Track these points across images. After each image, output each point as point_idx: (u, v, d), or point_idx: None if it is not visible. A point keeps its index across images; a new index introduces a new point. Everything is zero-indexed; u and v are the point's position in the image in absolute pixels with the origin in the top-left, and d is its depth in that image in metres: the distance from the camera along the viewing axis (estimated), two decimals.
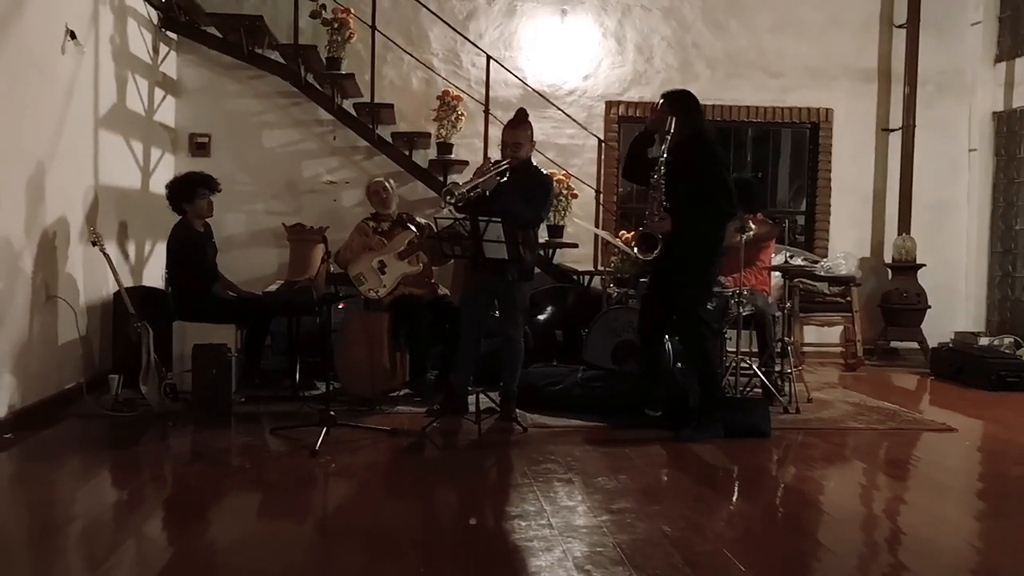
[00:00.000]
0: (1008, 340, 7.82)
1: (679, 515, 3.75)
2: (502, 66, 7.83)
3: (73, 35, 5.58)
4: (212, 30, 7.47)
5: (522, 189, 5.29)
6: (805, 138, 8.97)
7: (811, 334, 8.41)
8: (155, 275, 7.06)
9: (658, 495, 4.11)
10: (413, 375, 6.14)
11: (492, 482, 4.42)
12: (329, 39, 7.45)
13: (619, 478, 4.27)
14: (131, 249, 6.77)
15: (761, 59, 8.62)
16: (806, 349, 8.34)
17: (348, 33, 7.47)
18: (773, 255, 6.83)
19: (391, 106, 7.75)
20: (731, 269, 6.06)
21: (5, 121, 4.82)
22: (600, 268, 7.69)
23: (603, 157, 8.19)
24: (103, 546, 3.39)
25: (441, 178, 7.54)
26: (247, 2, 7.82)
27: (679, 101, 5.17)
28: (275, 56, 7.52)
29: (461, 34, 7.95)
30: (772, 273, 6.51)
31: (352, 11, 7.50)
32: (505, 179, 5.27)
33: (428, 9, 7.84)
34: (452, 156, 7.74)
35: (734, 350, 5.88)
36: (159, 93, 7.40)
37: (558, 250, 7.82)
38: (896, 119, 8.74)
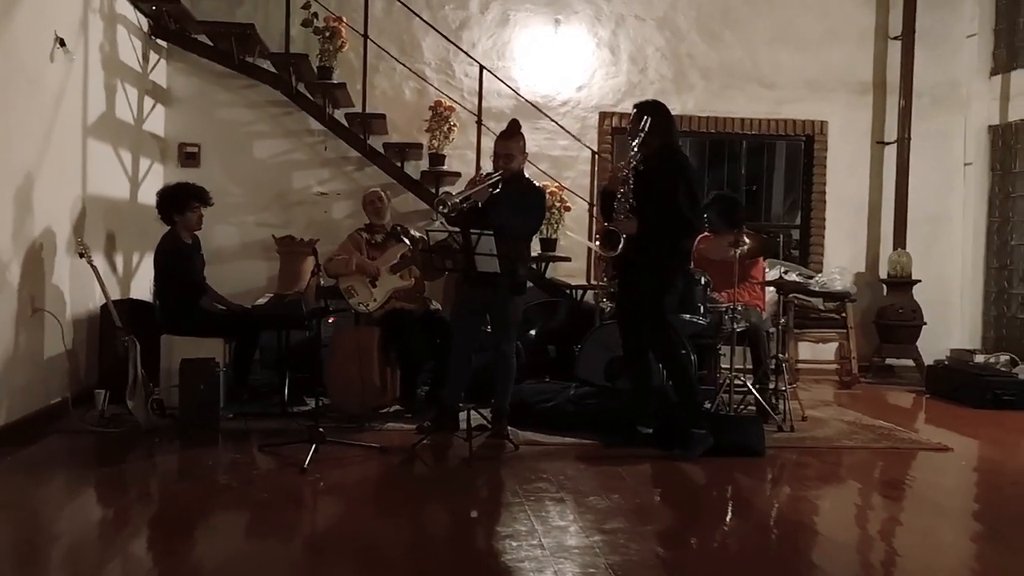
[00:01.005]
0: (1004, 358, 7.85)
1: (672, 536, 3.77)
2: (495, 76, 7.86)
3: (62, 42, 5.58)
4: (203, 38, 7.48)
5: (514, 201, 5.31)
6: (800, 151, 9.01)
7: (806, 351, 8.43)
8: (143, 288, 7.05)
9: (652, 515, 4.12)
10: (404, 391, 6.15)
11: (483, 500, 4.42)
12: (321, 48, 7.47)
13: (612, 497, 4.27)
14: (119, 261, 6.76)
15: (756, 70, 8.66)
16: (801, 366, 8.35)
17: (340, 42, 7.49)
18: (767, 269, 6.87)
19: (383, 116, 7.76)
20: (725, 285, 6.10)
21: None
22: (593, 282, 7.70)
23: (596, 169, 8.21)
24: (88, 566, 3.38)
25: (433, 190, 7.56)
26: (238, 10, 7.83)
27: (652, 108, 5.23)
28: (266, 65, 7.53)
29: (454, 44, 7.98)
30: (766, 289, 6.54)
31: (344, 20, 7.52)
32: (497, 191, 5.28)
33: (421, 18, 7.87)
34: (444, 167, 7.75)
35: (728, 367, 5.90)
36: (148, 102, 7.40)
37: (551, 264, 7.84)
38: (891, 132, 8.79)
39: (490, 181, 5.28)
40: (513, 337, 5.52)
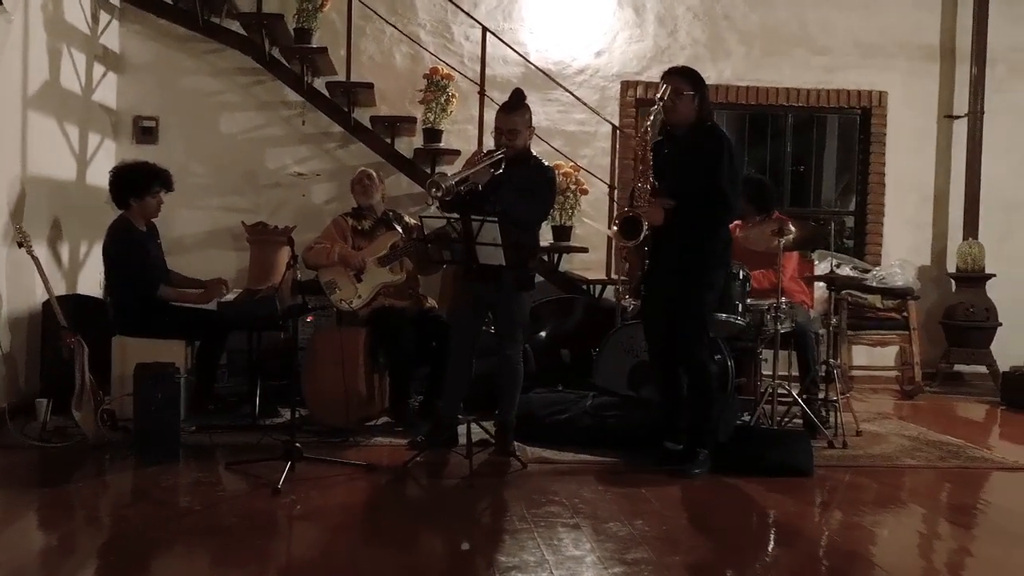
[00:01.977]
0: None
1: (704, 568, 3.75)
2: (500, 40, 7.85)
3: None
4: None
5: (520, 183, 5.29)
6: (855, 126, 9.00)
7: (861, 355, 8.41)
8: (92, 282, 7.06)
9: (680, 544, 4.10)
10: (394, 401, 6.14)
11: (485, 527, 4.41)
12: (298, 7, 7.49)
13: (635, 523, 4.25)
14: (64, 251, 6.77)
15: (804, 34, 8.65)
16: (855, 373, 8.34)
17: (321, 0, 7.49)
18: (816, 262, 6.84)
19: (370, 86, 7.77)
20: (767, 279, 6.07)
21: None
22: (614, 276, 7.69)
23: (618, 147, 8.20)
24: None
25: (428, 169, 7.56)
26: None
27: (695, 78, 5.21)
28: (235, 27, 7.54)
29: (452, 2, 7.98)
30: (815, 284, 6.51)
31: None
32: (500, 172, 5.27)
33: None
34: (441, 144, 7.76)
35: (770, 373, 5.87)
36: (99, 69, 7.42)
37: (565, 255, 7.83)
38: (961, 104, 8.76)
39: (491, 160, 5.26)
40: (520, 339, 5.51)
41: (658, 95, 5.13)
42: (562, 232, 7.69)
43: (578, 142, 8.32)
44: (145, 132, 7.86)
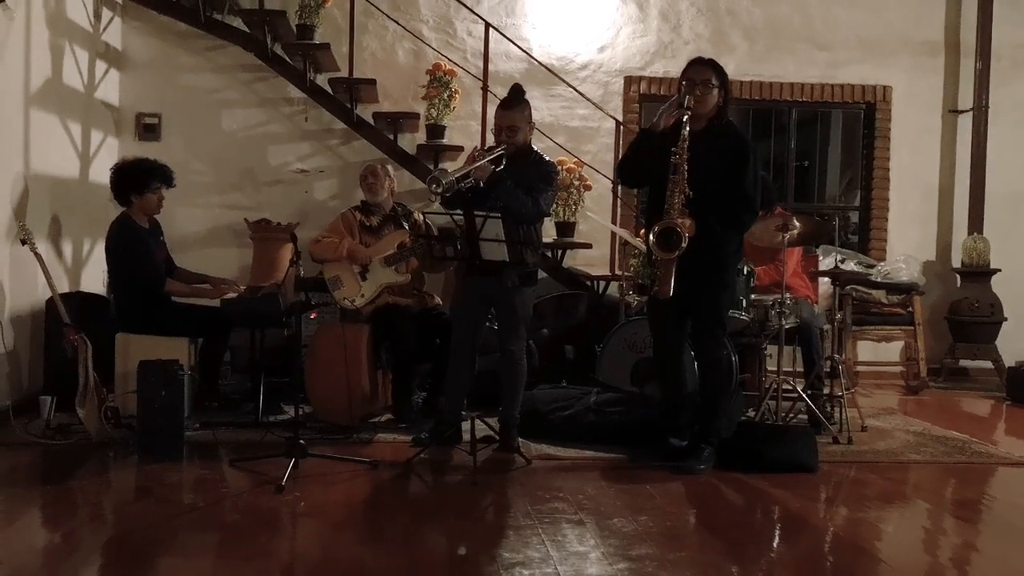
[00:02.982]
0: None
1: (709, 564, 3.74)
2: (503, 35, 7.85)
3: None
4: None
5: (521, 179, 5.29)
6: (859, 121, 9.00)
7: (866, 351, 8.42)
8: (95, 279, 7.07)
9: (684, 540, 4.10)
10: (397, 398, 6.15)
11: (489, 524, 4.40)
12: (300, 3, 7.50)
13: (639, 520, 4.25)
14: (67, 248, 6.78)
15: (808, 29, 8.64)
16: (860, 368, 8.34)
17: None
18: (821, 257, 6.83)
19: (373, 82, 7.77)
20: (771, 276, 6.07)
21: None
22: (618, 273, 7.68)
23: (621, 142, 8.19)
24: None
25: (431, 166, 7.56)
26: None
27: (721, 71, 5.16)
28: (237, 23, 7.55)
29: None
30: (820, 279, 6.50)
31: None
32: (501, 168, 5.26)
33: None
34: (444, 140, 7.77)
35: (775, 369, 5.87)
36: (101, 66, 7.42)
37: (568, 251, 7.83)
38: (966, 99, 8.76)
39: (491, 156, 5.26)
40: (523, 335, 5.50)
41: (682, 84, 5.04)
42: (565, 228, 7.69)
43: (581, 138, 8.32)
44: (147, 129, 7.88)
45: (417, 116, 7.83)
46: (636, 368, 6.21)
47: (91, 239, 7.09)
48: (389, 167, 6.64)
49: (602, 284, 7.78)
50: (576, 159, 7.74)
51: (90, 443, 5.34)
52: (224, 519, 4.26)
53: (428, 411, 6.07)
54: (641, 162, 5.23)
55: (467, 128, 7.96)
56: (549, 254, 7.54)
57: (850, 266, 7.55)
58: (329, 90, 7.69)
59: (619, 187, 8.11)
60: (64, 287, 6.43)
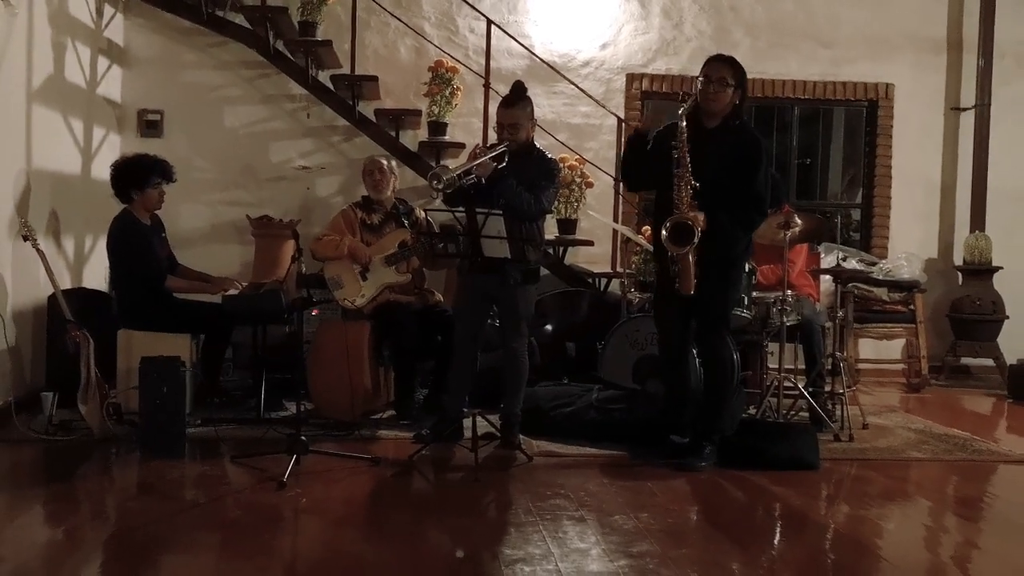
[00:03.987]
0: None
1: (710, 561, 3.74)
2: (505, 32, 7.85)
3: None
4: None
5: (523, 176, 5.29)
6: (861, 118, 8.99)
7: (867, 348, 8.41)
8: (97, 276, 7.07)
9: (686, 537, 4.10)
10: (399, 394, 6.15)
11: (491, 520, 4.41)
12: (302, 0, 7.46)
13: (640, 516, 4.25)
14: (69, 245, 6.78)
15: (811, 26, 8.63)
16: (861, 366, 8.34)
17: None
18: (823, 255, 6.83)
19: (375, 79, 7.76)
20: (773, 272, 6.07)
21: None
22: (620, 270, 7.68)
23: (623, 139, 8.17)
24: None
25: (433, 163, 7.55)
26: None
27: (740, 71, 5.15)
28: (239, 19, 7.54)
29: None
30: (822, 277, 6.50)
31: None
32: (503, 165, 5.26)
33: None
34: (446, 137, 7.76)
35: (776, 367, 5.87)
36: (103, 63, 7.42)
37: (570, 248, 7.83)
38: (968, 97, 8.74)
39: (493, 154, 5.25)
40: (525, 333, 5.51)
41: (699, 79, 5.07)
42: (568, 225, 7.68)
43: (583, 135, 8.31)
44: (150, 126, 7.87)
45: (419, 113, 7.83)
46: (638, 365, 6.21)
47: (93, 235, 7.09)
48: (394, 163, 6.63)
49: (604, 281, 7.77)
50: (578, 156, 7.74)
51: (92, 440, 5.34)
52: (226, 515, 4.27)
53: (430, 408, 6.07)
54: (639, 166, 5.23)
55: (469, 125, 7.96)
56: (551, 251, 7.53)
57: (852, 264, 7.55)
58: (331, 87, 7.69)
59: (621, 184, 8.10)
60: (66, 283, 6.43)
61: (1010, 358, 8.23)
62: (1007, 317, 8.48)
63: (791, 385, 5.87)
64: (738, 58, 8.26)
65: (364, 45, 7.97)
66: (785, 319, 5.75)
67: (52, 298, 5.89)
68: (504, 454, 5.29)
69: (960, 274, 8.74)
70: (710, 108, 5.06)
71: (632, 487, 4.78)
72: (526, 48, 8.05)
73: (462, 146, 7.69)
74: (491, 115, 7.24)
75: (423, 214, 6.38)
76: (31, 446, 5.29)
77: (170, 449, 5.16)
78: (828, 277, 6.40)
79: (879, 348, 8.43)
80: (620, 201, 8.19)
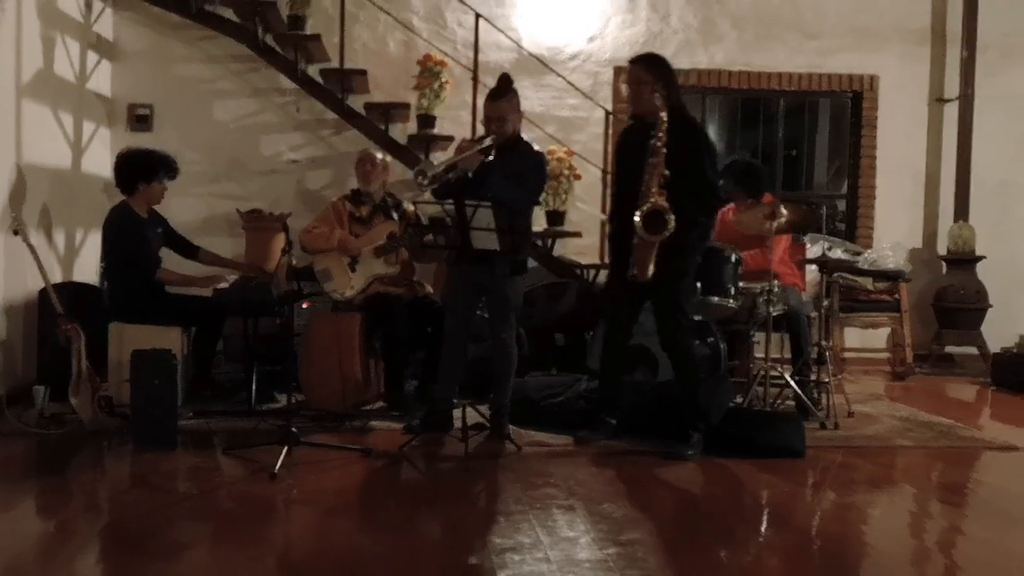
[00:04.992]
0: None
1: (698, 548, 3.76)
2: (493, 26, 7.84)
3: None
4: None
5: (510, 168, 5.28)
6: (847, 109, 9.00)
7: (853, 337, 8.44)
8: (87, 270, 7.05)
9: (674, 525, 4.12)
10: (389, 386, 6.15)
11: (481, 510, 4.41)
12: None
13: (629, 505, 4.28)
14: (60, 239, 6.76)
15: (796, 18, 8.64)
16: (847, 355, 8.36)
17: None
18: (808, 245, 6.84)
19: (364, 73, 7.74)
20: (758, 262, 6.07)
21: None
22: (607, 261, 7.68)
23: (611, 132, 8.19)
24: None
25: (422, 156, 7.55)
26: None
27: (658, 66, 5.23)
28: (228, 14, 7.51)
29: None
30: (807, 267, 6.51)
31: None
32: (491, 158, 5.25)
33: None
34: (435, 130, 7.75)
35: (762, 356, 5.89)
36: (92, 57, 7.39)
37: (558, 240, 7.83)
38: (952, 88, 8.76)
39: (480, 147, 5.25)
40: (513, 323, 5.50)
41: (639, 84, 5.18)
42: (556, 217, 7.69)
43: (571, 127, 8.31)
44: (139, 120, 7.85)
45: (408, 106, 7.81)
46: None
47: (83, 229, 7.07)
48: (388, 158, 6.61)
49: (592, 272, 7.78)
50: (566, 148, 7.74)
51: (84, 432, 5.34)
52: (218, 507, 4.27)
53: (421, 399, 6.07)
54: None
55: (458, 118, 7.94)
56: (539, 243, 7.54)
57: (837, 254, 7.56)
58: (320, 81, 7.66)
59: (609, 176, 8.10)
60: (57, 277, 6.41)
61: (993, 346, 8.26)
62: (990, 306, 8.51)
63: (777, 374, 5.88)
64: (724, 50, 8.37)
65: (353, 39, 7.95)
66: (771, 309, 5.77)
67: (43, 292, 5.87)
68: (494, 444, 5.29)
69: (944, 264, 8.78)
70: (637, 110, 5.20)
71: (621, 476, 4.81)
72: (514, 41, 8.05)
73: (451, 139, 7.67)
74: (479, 108, 7.26)
75: (412, 207, 6.37)
76: (23, 439, 5.27)
77: (162, 441, 5.15)
78: (814, 267, 6.40)
79: (864, 337, 8.46)
80: (608, 193, 8.18)
